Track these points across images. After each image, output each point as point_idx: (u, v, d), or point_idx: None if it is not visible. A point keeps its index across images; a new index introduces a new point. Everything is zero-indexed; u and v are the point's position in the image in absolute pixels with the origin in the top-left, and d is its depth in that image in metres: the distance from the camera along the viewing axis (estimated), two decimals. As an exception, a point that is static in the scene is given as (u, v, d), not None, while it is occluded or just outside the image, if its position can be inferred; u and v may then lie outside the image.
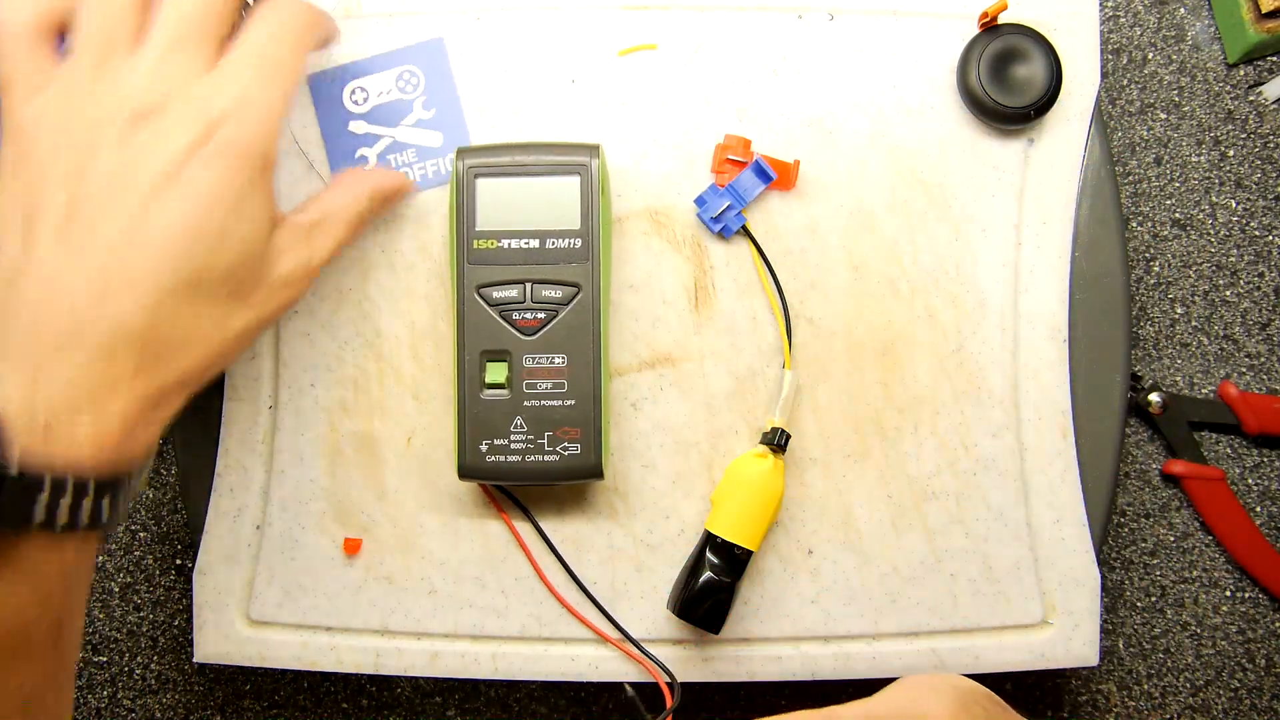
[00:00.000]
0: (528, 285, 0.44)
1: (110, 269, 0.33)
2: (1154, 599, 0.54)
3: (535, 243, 0.44)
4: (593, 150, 0.45)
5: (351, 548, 0.47)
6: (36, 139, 0.34)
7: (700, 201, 0.47)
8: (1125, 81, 0.55)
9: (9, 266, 0.33)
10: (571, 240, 0.44)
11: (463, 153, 0.45)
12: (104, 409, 0.32)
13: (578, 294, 0.44)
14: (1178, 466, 0.54)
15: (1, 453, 0.30)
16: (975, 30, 0.48)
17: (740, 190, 0.47)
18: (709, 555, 0.45)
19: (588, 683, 0.53)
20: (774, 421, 0.46)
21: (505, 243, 0.44)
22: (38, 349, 0.32)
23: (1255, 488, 0.55)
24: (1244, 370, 0.55)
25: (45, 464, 0.31)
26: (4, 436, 0.31)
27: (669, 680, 0.46)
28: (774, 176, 0.47)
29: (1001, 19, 0.47)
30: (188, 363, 0.35)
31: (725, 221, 0.47)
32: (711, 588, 0.45)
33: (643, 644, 0.47)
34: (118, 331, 0.33)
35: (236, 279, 0.35)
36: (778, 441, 0.46)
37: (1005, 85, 0.47)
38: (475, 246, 0.44)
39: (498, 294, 0.44)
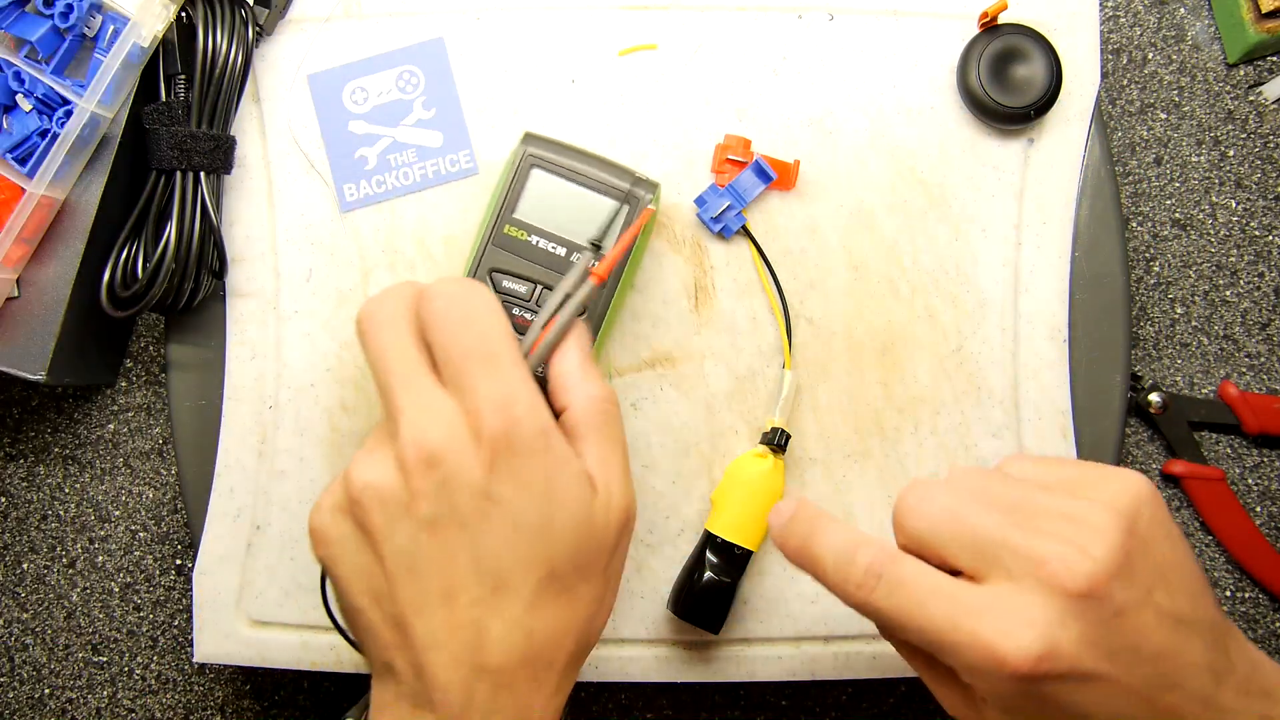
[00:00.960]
0: (537, 288, 0.44)
1: (477, 606, 0.34)
2: (1154, 599, 0.54)
3: (561, 250, 0.44)
4: (651, 186, 0.44)
5: None
6: (348, 507, 0.36)
7: (700, 201, 0.47)
8: (1125, 81, 0.55)
9: (387, 621, 0.35)
10: (595, 263, 0.44)
11: (529, 138, 0.44)
12: None
13: (581, 316, 0.44)
14: (1178, 466, 0.54)
15: None
16: (975, 30, 0.48)
17: (740, 190, 0.47)
18: (709, 555, 0.45)
19: (588, 683, 0.53)
20: (774, 421, 0.46)
21: (534, 239, 0.44)
22: (450, 698, 0.34)
23: (1255, 488, 0.55)
24: (1244, 370, 0.55)
25: None
26: None
27: None
28: (774, 176, 0.47)
29: (1001, 19, 0.47)
30: (570, 650, 0.36)
31: (725, 221, 0.47)
32: (711, 588, 0.45)
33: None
34: (508, 663, 0.34)
35: (581, 555, 0.36)
36: (778, 441, 0.46)
37: (1005, 85, 0.47)
38: (505, 231, 0.44)
39: (507, 284, 0.44)
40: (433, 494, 0.34)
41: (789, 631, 0.47)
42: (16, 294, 0.47)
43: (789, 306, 0.47)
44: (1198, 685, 0.33)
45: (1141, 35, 0.56)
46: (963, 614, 0.33)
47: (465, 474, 0.34)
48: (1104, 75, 0.54)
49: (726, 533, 0.45)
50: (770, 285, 0.47)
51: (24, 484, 0.55)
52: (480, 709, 0.34)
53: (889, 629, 0.36)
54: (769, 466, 0.46)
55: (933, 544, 0.35)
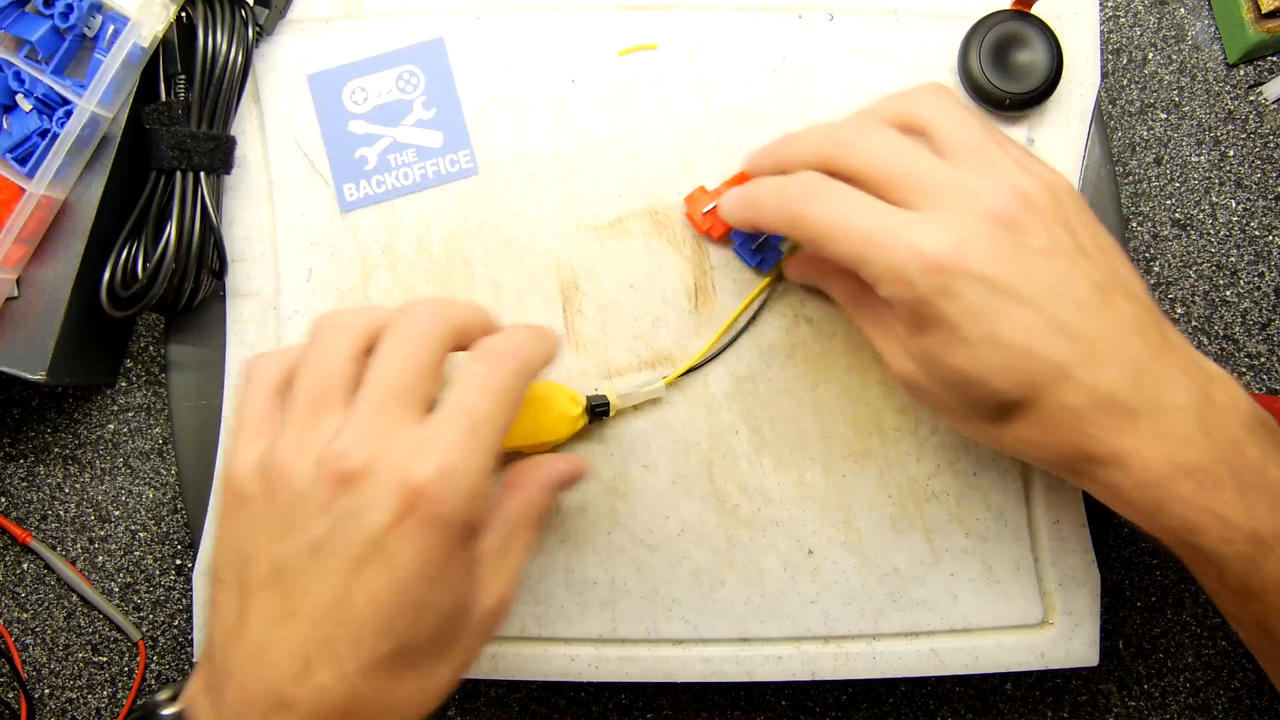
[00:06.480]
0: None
1: (313, 642, 0.33)
2: (1154, 599, 0.54)
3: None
4: None
5: None
6: (250, 491, 0.35)
7: (741, 246, 0.47)
8: (1125, 81, 0.55)
9: (227, 623, 0.34)
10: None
11: None
12: None
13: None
14: (1178, 466, 0.53)
15: None
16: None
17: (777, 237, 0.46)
18: None
19: (587, 683, 0.53)
20: (610, 392, 0.46)
21: None
22: (244, 709, 0.33)
23: (1255, 488, 0.55)
24: (1244, 370, 0.55)
25: None
26: None
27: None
28: None
29: (997, 12, 0.47)
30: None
31: (764, 255, 0.47)
32: None
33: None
34: (315, 708, 0.32)
35: (439, 643, 0.35)
36: (596, 407, 0.46)
37: (1006, 72, 0.47)
38: None
39: None
40: (329, 515, 0.33)
41: (788, 631, 0.47)
42: (16, 294, 0.47)
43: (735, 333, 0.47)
44: (1125, 344, 0.36)
45: (1141, 35, 0.56)
46: (890, 221, 0.36)
47: (372, 513, 0.33)
48: (1104, 75, 0.54)
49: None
50: (753, 304, 0.47)
51: (24, 484, 0.55)
52: None
53: (820, 241, 0.38)
54: (572, 414, 0.45)
55: (869, 173, 0.38)
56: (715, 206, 0.46)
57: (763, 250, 0.47)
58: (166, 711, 0.34)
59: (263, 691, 0.33)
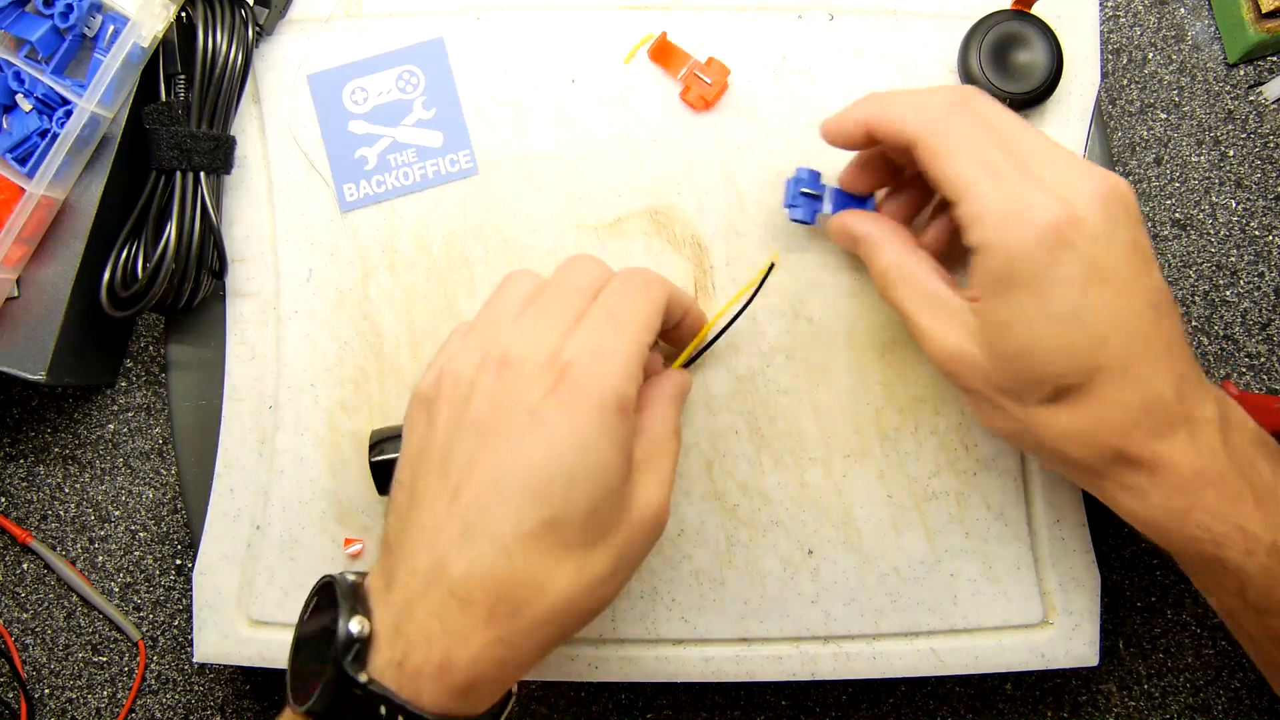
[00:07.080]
0: None
1: (473, 510, 0.35)
2: (1154, 599, 0.54)
3: None
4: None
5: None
6: (426, 398, 0.38)
7: (796, 180, 0.45)
8: (1125, 81, 0.55)
9: (401, 513, 0.37)
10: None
11: None
12: (454, 653, 0.34)
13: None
14: (1178, 466, 0.53)
15: (362, 664, 0.33)
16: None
17: (839, 199, 0.45)
18: None
19: (587, 683, 0.53)
20: None
21: None
22: (411, 582, 0.35)
23: (1255, 488, 0.55)
24: (1244, 370, 0.55)
25: (391, 689, 0.33)
26: (370, 650, 0.34)
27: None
28: (872, 206, 0.45)
29: (997, 12, 0.47)
30: (541, 610, 0.35)
31: (802, 207, 0.45)
32: None
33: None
34: (473, 576, 0.34)
35: (592, 524, 0.36)
36: None
37: (1007, 72, 0.47)
38: None
39: None
40: (491, 395, 0.36)
41: (788, 631, 0.47)
42: (16, 294, 0.47)
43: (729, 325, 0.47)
44: (1174, 353, 0.37)
45: (1141, 35, 0.56)
46: (1022, 171, 0.36)
47: (525, 386, 0.36)
48: (1104, 75, 0.54)
49: None
50: (743, 296, 0.47)
51: (24, 484, 0.55)
52: (426, 611, 0.34)
53: (946, 155, 0.37)
54: None
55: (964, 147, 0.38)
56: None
57: (805, 200, 0.45)
58: (350, 578, 0.37)
59: (428, 563, 0.34)
